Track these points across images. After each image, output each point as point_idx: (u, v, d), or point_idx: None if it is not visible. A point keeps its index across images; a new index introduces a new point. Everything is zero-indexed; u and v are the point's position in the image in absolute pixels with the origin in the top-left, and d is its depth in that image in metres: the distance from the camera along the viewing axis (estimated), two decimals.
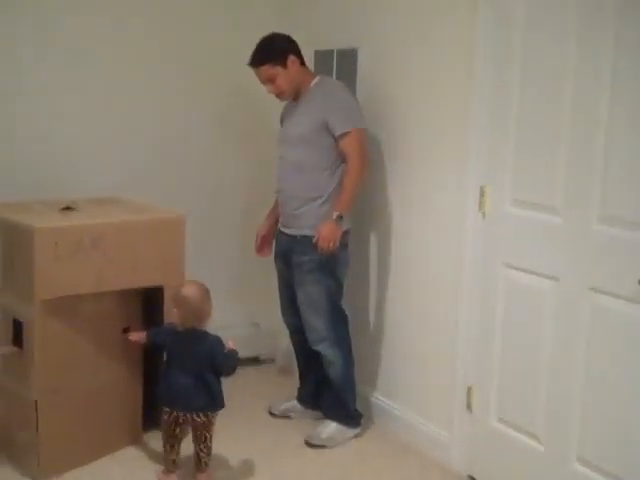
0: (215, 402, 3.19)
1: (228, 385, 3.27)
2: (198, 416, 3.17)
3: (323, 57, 4.03)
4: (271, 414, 3.93)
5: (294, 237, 3.64)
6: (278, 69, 3.53)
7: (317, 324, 3.66)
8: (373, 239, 3.87)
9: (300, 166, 3.58)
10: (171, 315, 3.26)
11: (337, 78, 3.91)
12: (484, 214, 3.23)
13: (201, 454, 3.23)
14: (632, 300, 2.64)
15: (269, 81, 3.57)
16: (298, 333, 3.79)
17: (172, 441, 3.22)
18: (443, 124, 3.41)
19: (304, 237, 3.58)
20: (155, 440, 3.48)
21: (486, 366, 3.27)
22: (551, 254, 2.95)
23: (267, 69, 3.53)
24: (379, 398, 3.90)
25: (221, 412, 3.24)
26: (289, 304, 3.79)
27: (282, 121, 3.78)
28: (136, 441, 3.53)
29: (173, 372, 3.17)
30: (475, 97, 3.20)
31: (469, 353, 3.34)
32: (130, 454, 3.45)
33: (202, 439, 3.21)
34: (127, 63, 4.10)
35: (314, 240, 3.51)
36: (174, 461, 3.24)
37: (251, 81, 3.66)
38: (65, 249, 3.14)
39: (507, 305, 3.17)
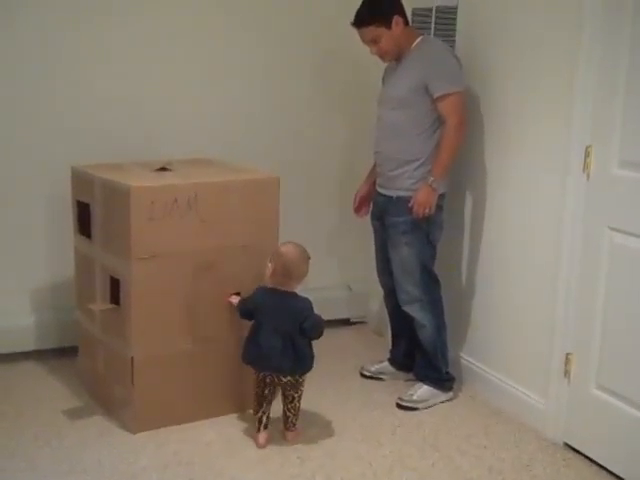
0: (302, 365, 3.19)
1: (319, 346, 3.26)
2: (285, 377, 3.18)
3: (422, 14, 3.92)
4: (362, 375, 3.92)
5: (390, 198, 3.61)
6: (382, 30, 3.46)
7: (408, 286, 3.62)
8: (468, 201, 3.79)
9: (397, 128, 3.53)
10: (263, 274, 3.25)
11: (435, 35, 3.81)
12: (588, 175, 3.10)
13: (288, 413, 3.27)
14: None
15: (373, 42, 3.50)
16: (392, 294, 3.76)
17: (261, 401, 3.24)
18: (546, 82, 3.29)
19: (399, 198, 3.55)
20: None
21: (586, 333, 3.17)
22: None
23: (371, 30, 3.47)
24: (470, 361, 3.84)
25: (313, 371, 3.24)
26: (384, 265, 3.76)
27: (383, 82, 3.72)
28: (240, 409, 3.51)
29: (262, 333, 3.18)
30: (582, 53, 3.06)
31: (569, 319, 3.24)
32: (230, 422, 3.44)
33: (290, 399, 3.25)
34: (222, 22, 4.08)
35: (410, 204, 3.47)
36: (261, 420, 3.25)
37: (350, 40, 3.61)
38: (160, 208, 3.16)
39: (611, 270, 3.05)
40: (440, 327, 3.68)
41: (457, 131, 3.45)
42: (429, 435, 3.40)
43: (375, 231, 3.80)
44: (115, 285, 3.28)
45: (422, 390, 3.66)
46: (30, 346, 3.91)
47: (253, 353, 3.22)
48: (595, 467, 3.15)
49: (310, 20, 4.24)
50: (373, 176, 3.80)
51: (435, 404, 3.65)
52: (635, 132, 2.90)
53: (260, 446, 3.25)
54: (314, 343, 3.22)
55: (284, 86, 4.26)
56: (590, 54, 3.04)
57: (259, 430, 3.27)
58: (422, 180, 3.48)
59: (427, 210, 3.46)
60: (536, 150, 3.37)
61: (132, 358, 3.23)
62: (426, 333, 3.66)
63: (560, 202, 3.23)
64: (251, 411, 3.38)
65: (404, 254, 3.59)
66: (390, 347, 3.97)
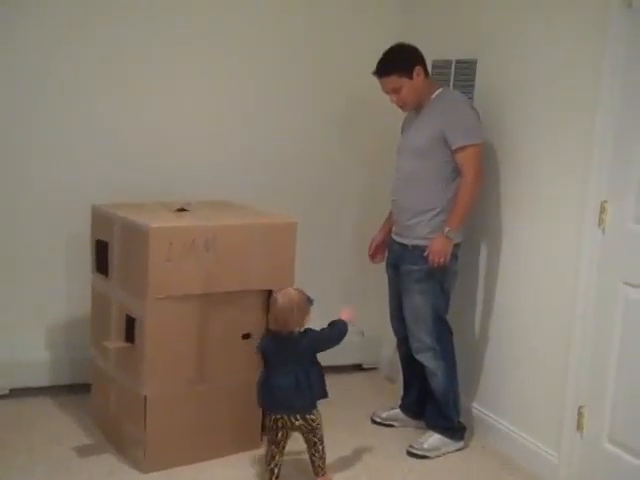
0: (312, 397, 3.18)
1: (332, 391, 3.25)
2: (296, 419, 3.16)
3: (441, 67, 3.98)
4: (373, 421, 3.91)
5: (405, 246, 3.64)
6: (404, 80, 3.51)
7: (421, 334, 3.63)
8: (483, 252, 3.81)
9: (415, 178, 3.58)
10: None
11: (454, 88, 3.85)
12: (604, 230, 3.12)
13: (314, 458, 3.25)
14: None
15: (394, 92, 3.55)
16: (405, 341, 3.76)
17: (273, 449, 3.21)
18: (564, 138, 3.32)
19: (415, 247, 3.58)
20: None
21: (600, 387, 3.16)
22: None
23: (393, 80, 3.52)
24: (482, 411, 3.82)
25: (324, 417, 3.23)
26: (397, 312, 3.77)
27: (402, 131, 3.78)
28: (252, 448, 3.51)
29: (272, 375, 3.18)
30: (600, 111, 3.11)
31: (582, 373, 3.24)
32: (241, 460, 3.44)
33: (312, 444, 3.24)
34: (247, 67, 4.16)
35: (425, 253, 3.50)
36: (273, 471, 3.22)
37: (372, 89, 3.65)
38: (178, 249, 3.20)
39: (625, 324, 3.06)
40: (452, 376, 3.67)
41: (474, 183, 3.48)
42: None
43: (389, 278, 3.81)
44: (130, 324, 3.31)
45: (433, 439, 3.65)
46: (44, 382, 3.94)
47: (265, 396, 3.22)
48: None
49: (333, 68, 4.31)
50: (389, 224, 3.83)
51: (446, 453, 3.64)
52: None
53: None
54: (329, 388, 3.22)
55: (305, 134, 4.32)
56: (607, 110, 3.08)
57: None
58: (438, 229, 3.51)
59: (442, 259, 3.48)
60: (552, 205, 3.39)
61: (145, 397, 3.24)
62: (438, 382, 3.65)
63: (576, 256, 3.25)
64: (262, 451, 3.39)
65: (417, 302, 3.61)
66: (402, 394, 3.96)
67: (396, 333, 3.88)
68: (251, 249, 3.37)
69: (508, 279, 3.66)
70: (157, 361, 3.24)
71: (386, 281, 3.85)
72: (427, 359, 3.64)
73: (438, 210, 3.53)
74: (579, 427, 3.26)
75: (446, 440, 3.65)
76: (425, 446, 3.62)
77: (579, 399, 3.25)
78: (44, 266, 3.91)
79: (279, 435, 3.21)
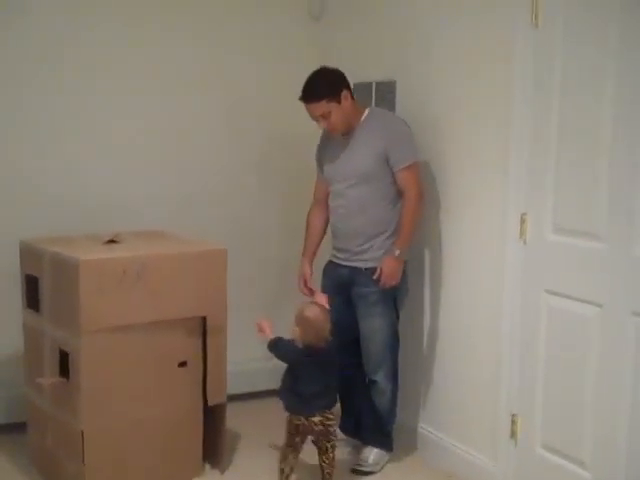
0: (333, 401, 3.39)
1: (265, 417, 3.30)
2: (316, 424, 3.30)
3: (362, 89, 4.05)
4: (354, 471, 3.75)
5: (357, 269, 3.60)
6: (332, 105, 3.46)
7: (377, 354, 3.65)
8: (418, 268, 3.84)
9: (363, 203, 3.54)
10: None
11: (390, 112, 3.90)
12: (525, 241, 3.23)
13: (324, 465, 3.37)
14: None
15: (323, 117, 3.49)
16: (348, 364, 3.72)
17: (288, 450, 3.35)
18: (483, 155, 3.42)
19: (369, 269, 3.56)
20: (215, 476, 3.55)
21: (530, 394, 3.25)
22: (594, 280, 2.94)
23: (322, 105, 3.46)
24: (423, 427, 3.87)
25: (245, 443, 3.45)
26: (345, 335, 3.65)
27: (325, 159, 3.70)
28: (194, 476, 3.52)
29: (301, 383, 3.31)
30: (515, 128, 3.22)
31: (513, 382, 3.32)
32: None
33: (324, 449, 3.36)
34: (167, 101, 4.19)
35: (375, 276, 3.51)
36: (283, 471, 3.36)
37: (292, 119, 3.74)
38: (109, 281, 3.19)
39: (550, 332, 3.15)
40: (397, 393, 3.73)
41: (418, 202, 3.51)
42: None
43: (336, 304, 3.54)
44: (64, 359, 3.28)
45: (374, 453, 3.69)
46: None
47: (291, 400, 3.34)
48: None
49: (252, 100, 4.39)
50: (311, 253, 3.79)
51: (384, 465, 3.71)
52: (566, 200, 3.04)
53: None
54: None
55: (225, 167, 4.38)
56: (522, 127, 3.19)
57: None
58: (390, 251, 3.53)
59: (394, 281, 3.52)
60: (476, 218, 3.49)
61: (82, 431, 3.21)
62: (385, 400, 3.69)
63: (500, 267, 3.34)
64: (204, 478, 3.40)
65: (376, 324, 3.61)
66: (340, 414, 3.94)
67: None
68: (183, 277, 3.38)
69: (439, 296, 3.73)
70: (93, 395, 3.22)
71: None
72: (381, 378, 3.66)
73: (390, 231, 3.55)
74: (513, 435, 3.34)
75: (382, 452, 3.71)
76: (370, 462, 3.66)
77: (512, 408, 3.34)
78: None
79: (296, 439, 3.34)
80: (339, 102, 3.48)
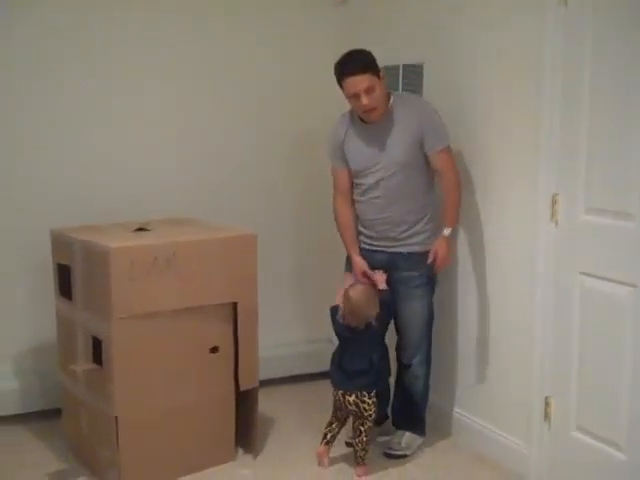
0: (374, 382, 3.44)
1: (297, 401, 3.39)
2: (350, 403, 3.40)
3: (389, 72, 4.00)
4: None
5: (399, 254, 3.56)
6: (376, 80, 3.34)
7: (417, 338, 3.64)
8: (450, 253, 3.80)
9: (404, 191, 3.49)
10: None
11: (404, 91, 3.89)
12: (556, 223, 3.18)
13: (356, 447, 3.45)
14: None
15: (368, 92, 3.32)
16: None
17: (332, 420, 3.52)
18: (513, 136, 3.38)
19: (412, 254, 3.53)
20: (248, 460, 3.58)
21: (564, 376, 3.22)
22: (627, 260, 2.90)
23: (368, 78, 3.32)
24: (456, 410, 3.86)
25: (298, 427, 3.39)
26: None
27: (351, 151, 3.54)
28: (227, 461, 3.54)
29: (346, 358, 3.45)
30: (546, 106, 3.17)
31: (546, 364, 3.29)
32: (217, 474, 3.47)
33: (357, 433, 3.43)
34: (204, 90, 4.22)
35: (429, 259, 3.47)
36: (325, 435, 3.51)
37: (322, 102, 3.71)
38: (140, 268, 3.21)
39: (584, 314, 3.12)
40: (429, 377, 3.71)
41: (458, 181, 3.48)
42: None
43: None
44: (97, 346, 3.31)
45: (406, 437, 3.68)
46: (14, 410, 3.92)
47: (336, 376, 3.49)
48: None
49: (281, 84, 4.37)
50: (355, 243, 3.64)
51: (417, 448, 3.69)
52: (598, 180, 3.00)
53: (318, 457, 3.50)
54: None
55: (261, 148, 4.37)
56: (553, 107, 3.14)
57: (321, 443, 3.51)
58: (433, 234, 3.51)
59: (448, 262, 3.50)
60: (506, 200, 3.45)
61: (116, 418, 3.24)
62: (419, 385, 3.68)
63: (531, 250, 3.31)
64: (237, 463, 3.53)
65: (418, 308, 3.59)
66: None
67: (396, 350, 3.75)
68: (212, 263, 3.39)
69: (472, 278, 3.69)
70: (126, 381, 3.24)
71: None
72: (418, 363, 3.65)
73: (430, 214, 3.54)
74: (546, 417, 3.32)
75: (415, 436, 3.70)
76: (403, 445, 3.66)
77: (545, 390, 3.31)
78: (6, 293, 3.90)
79: (338, 413, 3.50)
80: (380, 78, 3.38)
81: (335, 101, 3.70)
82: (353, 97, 3.38)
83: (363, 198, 3.58)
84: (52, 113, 3.90)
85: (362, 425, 3.42)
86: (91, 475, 3.42)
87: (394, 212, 3.51)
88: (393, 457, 3.63)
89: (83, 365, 3.39)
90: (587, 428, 3.14)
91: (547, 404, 3.31)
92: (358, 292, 3.42)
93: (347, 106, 3.55)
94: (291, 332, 4.52)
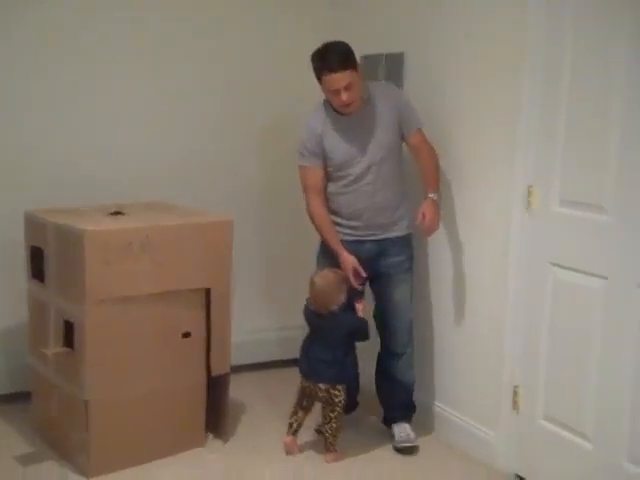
0: (341, 376, 3.46)
1: (269, 388, 3.52)
2: (321, 390, 3.43)
3: (372, 61, 4.02)
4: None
5: (388, 239, 3.58)
6: (354, 75, 3.35)
7: (407, 326, 3.66)
8: (422, 243, 3.80)
9: (390, 177, 3.53)
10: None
11: (386, 81, 3.89)
12: (531, 213, 3.23)
13: (326, 434, 3.48)
14: None
15: (348, 87, 3.34)
16: (382, 348, 3.76)
17: (297, 409, 3.53)
18: (491, 126, 3.40)
19: (399, 238, 3.58)
20: (218, 446, 3.59)
21: (533, 366, 3.27)
22: (600, 252, 2.95)
23: (350, 74, 3.33)
24: (424, 399, 3.88)
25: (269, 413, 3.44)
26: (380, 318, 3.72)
27: (331, 145, 3.49)
28: (196, 446, 3.55)
29: (313, 347, 3.49)
30: (524, 98, 3.20)
31: (516, 354, 3.34)
32: (187, 458, 3.47)
33: (327, 419, 3.47)
34: (174, 68, 4.17)
35: (417, 221, 3.42)
36: (291, 425, 3.52)
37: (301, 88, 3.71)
38: (115, 252, 3.19)
39: (554, 304, 3.16)
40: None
41: (435, 152, 3.54)
42: (385, 476, 3.43)
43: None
44: (69, 329, 3.29)
45: (409, 428, 3.67)
46: None
47: (303, 365, 3.52)
48: None
49: (260, 69, 4.35)
50: (338, 239, 3.57)
51: None
52: (573, 173, 3.04)
53: (286, 447, 3.51)
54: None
55: (235, 131, 4.35)
56: (531, 100, 3.17)
57: (287, 434, 3.52)
58: (411, 219, 3.54)
59: (437, 226, 3.48)
60: (482, 190, 3.48)
61: (87, 401, 3.23)
62: (412, 374, 3.71)
63: (505, 239, 3.34)
64: (206, 449, 3.52)
65: (407, 292, 3.63)
66: (382, 409, 3.83)
67: (381, 341, 3.75)
68: (187, 248, 3.38)
69: (444, 266, 3.72)
70: (97, 365, 3.23)
71: None
72: (409, 352, 3.68)
73: (407, 202, 3.59)
74: (514, 406, 3.36)
75: (410, 426, 3.70)
76: (412, 437, 3.64)
77: (514, 379, 3.36)
78: None
79: (304, 402, 3.51)
80: (357, 72, 3.39)
81: (313, 88, 3.69)
82: (332, 93, 3.38)
83: (349, 189, 3.54)
84: (33, 95, 3.85)
85: (332, 412, 3.45)
86: (60, 459, 3.40)
87: (382, 197, 3.54)
88: (409, 451, 3.59)
89: (54, 348, 3.37)
90: (555, 417, 3.19)
91: (515, 393, 3.35)
92: (323, 278, 3.44)
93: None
94: (263, 319, 4.53)
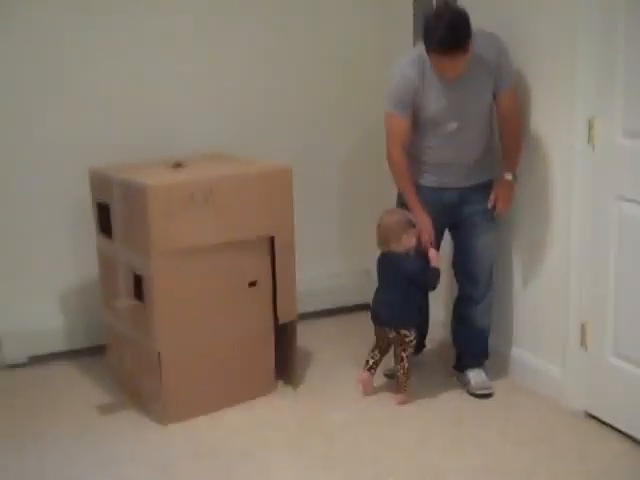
0: (407, 318, 3.51)
1: (336, 334, 3.58)
2: (390, 332, 3.50)
3: None
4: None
5: (468, 187, 3.51)
6: (465, 55, 3.19)
7: (488, 274, 3.63)
8: None
9: (481, 135, 3.46)
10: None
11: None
12: (593, 147, 3.15)
13: (398, 373, 3.55)
14: None
15: (456, 66, 3.21)
16: (463, 297, 3.72)
17: (374, 347, 3.61)
18: (549, 59, 3.33)
19: (479, 185, 3.52)
20: (288, 392, 3.66)
21: (600, 302, 3.22)
22: None
23: (461, 56, 3.17)
24: (492, 339, 3.88)
25: (337, 359, 3.51)
26: (462, 265, 3.68)
27: (427, 100, 3.36)
28: (266, 393, 3.62)
29: (381, 289, 3.56)
30: (583, 29, 3.12)
31: (583, 289, 3.30)
32: (257, 406, 3.54)
33: (399, 359, 3.54)
34: (229, 18, 4.17)
35: (490, 204, 3.48)
36: (367, 361, 3.60)
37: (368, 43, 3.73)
38: (177, 205, 3.25)
39: (621, 238, 3.10)
40: None
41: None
42: (451, 417, 3.44)
43: (437, 240, 3.55)
44: (138, 282, 3.38)
45: (484, 374, 3.67)
46: (61, 347, 4.03)
47: (373, 308, 3.60)
48: (616, 434, 3.21)
49: (326, 20, 4.34)
50: (419, 198, 3.51)
51: None
52: (636, 103, 2.96)
53: (362, 384, 3.58)
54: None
55: (292, 77, 4.34)
56: (590, 28, 3.09)
57: (363, 369, 3.60)
58: (495, 166, 3.51)
59: (509, 206, 3.51)
60: (543, 123, 3.42)
61: (159, 353, 3.32)
62: (489, 320, 3.69)
63: (568, 173, 3.29)
64: (277, 395, 3.62)
65: (490, 240, 3.58)
66: (456, 355, 3.82)
67: (461, 288, 3.72)
68: (249, 198, 3.41)
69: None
70: (167, 316, 3.31)
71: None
72: (488, 298, 3.66)
73: (492, 151, 3.53)
74: (583, 343, 3.33)
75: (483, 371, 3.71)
76: (488, 383, 3.63)
77: (582, 315, 3.32)
78: (48, 232, 3.96)
79: (381, 342, 3.58)
80: (469, 50, 3.20)
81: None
82: (438, 67, 3.25)
83: (441, 142, 3.45)
84: (83, 49, 3.90)
85: (404, 351, 3.49)
86: (137, 408, 3.52)
87: (473, 152, 3.47)
88: (483, 397, 3.58)
89: (125, 301, 3.47)
90: (624, 353, 3.15)
91: (583, 330, 3.32)
92: (389, 215, 3.50)
93: None
94: (330, 265, 4.56)
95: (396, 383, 3.56)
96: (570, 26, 3.18)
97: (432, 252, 3.46)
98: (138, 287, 3.39)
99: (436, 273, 3.46)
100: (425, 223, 3.47)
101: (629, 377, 3.13)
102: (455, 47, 3.13)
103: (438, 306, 3.96)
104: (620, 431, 3.19)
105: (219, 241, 3.37)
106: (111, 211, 3.48)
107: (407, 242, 3.44)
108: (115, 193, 3.43)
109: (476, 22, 3.24)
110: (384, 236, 3.47)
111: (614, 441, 3.17)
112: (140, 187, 3.24)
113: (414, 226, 3.44)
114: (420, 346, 3.84)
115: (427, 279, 3.47)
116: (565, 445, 3.17)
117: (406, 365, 3.50)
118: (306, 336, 3.95)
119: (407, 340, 3.48)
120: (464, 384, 3.66)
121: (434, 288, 3.52)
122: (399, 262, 3.46)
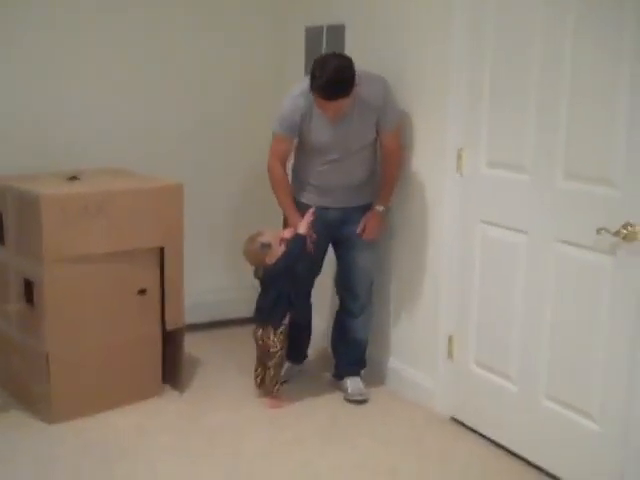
0: (276, 318, 3.71)
1: (223, 344, 3.86)
2: (257, 337, 3.74)
3: (313, 33, 4.19)
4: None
5: (350, 208, 3.72)
6: (347, 99, 3.41)
7: (367, 289, 3.86)
8: None
9: (364, 162, 3.68)
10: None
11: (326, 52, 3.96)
12: (462, 175, 3.44)
13: (265, 380, 3.75)
14: (592, 248, 2.88)
15: (338, 109, 3.44)
16: (341, 307, 3.96)
17: (257, 364, 3.80)
18: (424, 97, 3.60)
19: (361, 206, 3.74)
20: (174, 396, 3.80)
21: (465, 316, 3.51)
22: (521, 209, 3.18)
23: (343, 101, 3.39)
24: (370, 351, 4.11)
25: (222, 367, 3.70)
26: (342, 279, 3.91)
27: (311, 129, 3.57)
28: (152, 396, 3.75)
29: (259, 296, 3.75)
30: (453, 71, 3.41)
31: (450, 304, 3.57)
32: (143, 408, 3.67)
33: (265, 367, 3.74)
34: (141, 38, 4.31)
35: (358, 230, 3.70)
36: (256, 379, 3.80)
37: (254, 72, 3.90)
38: (71, 214, 3.37)
39: (483, 258, 3.39)
40: None
41: (402, 163, 3.70)
42: (331, 422, 3.64)
43: (319, 255, 3.80)
44: (29, 287, 3.48)
45: (359, 382, 3.89)
46: None
47: (253, 315, 3.80)
48: (478, 437, 3.48)
49: (210, 50, 4.49)
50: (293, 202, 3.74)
51: None
52: (498, 136, 3.27)
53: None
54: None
55: (190, 102, 4.51)
56: (460, 72, 3.39)
57: (258, 387, 3.79)
58: (373, 188, 3.74)
59: (377, 236, 3.75)
60: (419, 154, 3.68)
61: (47, 354, 3.42)
62: (367, 332, 3.92)
63: (440, 199, 3.57)
64: (162, 399, 3.75)
65: (369, 257, 3.80)
66: (335, 363, 4.04)
67: (342, 302, 3.95)
68: (141, 211, 3.56)
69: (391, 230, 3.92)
70: (57, 320, 3.42)
71: None
72: (368, 313, 3.89)
73: (374, 175, 3.75)
74: (450, 354, 3.61)
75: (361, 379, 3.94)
76: (364, 390, 3.86)
77: (449, 329, 3.60)
78: None
79: (259, 355, 3.76)
80: (351, 94, 3.40)
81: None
82: (322, 105, 3.44)
83: (324, 167, 3.66)
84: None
85: (270, 360, 3.69)
86: (23, 408, 3.59)
87: (356, 177, 3.68)
88: (358, 403, 3.79)
89: (15, 305, 3.56)
90: (484, 363, 3.44)
91: (450, 342, 3.60)
92: (245, 249, 3.68)
93: None
94: (220, 279, 4.72)
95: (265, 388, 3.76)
96: (443, 68, 3.46)
97: (286, 231, 3.65)
98: (28, 292, 3.49)
99: (299, 240, 3.59)
100: (297, 221, 3.64)
101: (489, 385, 3.41)
102: (335, 96, 3.35)
103: (321, 317, 4.18)
104: (482, 434, 3.47)
105: (110, 250, 3.51)
106: (5, 219, 3.57)
107: (274, 255, 3.60)
108: (9, 202, 3.53)
109: (362, 64, 3.49)
110: (253, 262, 3.69)
111: (475, 443, 3.43)
112: (34, 196, 3.35)
113: (269, 245, 3.59)
114: (302, 356, 4.06)
115: (295, 257, 3.60)
116: (430, 446, 3.42)
117: (272, 372, 3.68)
118: (196, 345, 4.13)
119: (272, 350, 3.67)
120: (342, 391, 3.89)
121: (312, 263, 3.73)
122: (270, 270, 3.63)
